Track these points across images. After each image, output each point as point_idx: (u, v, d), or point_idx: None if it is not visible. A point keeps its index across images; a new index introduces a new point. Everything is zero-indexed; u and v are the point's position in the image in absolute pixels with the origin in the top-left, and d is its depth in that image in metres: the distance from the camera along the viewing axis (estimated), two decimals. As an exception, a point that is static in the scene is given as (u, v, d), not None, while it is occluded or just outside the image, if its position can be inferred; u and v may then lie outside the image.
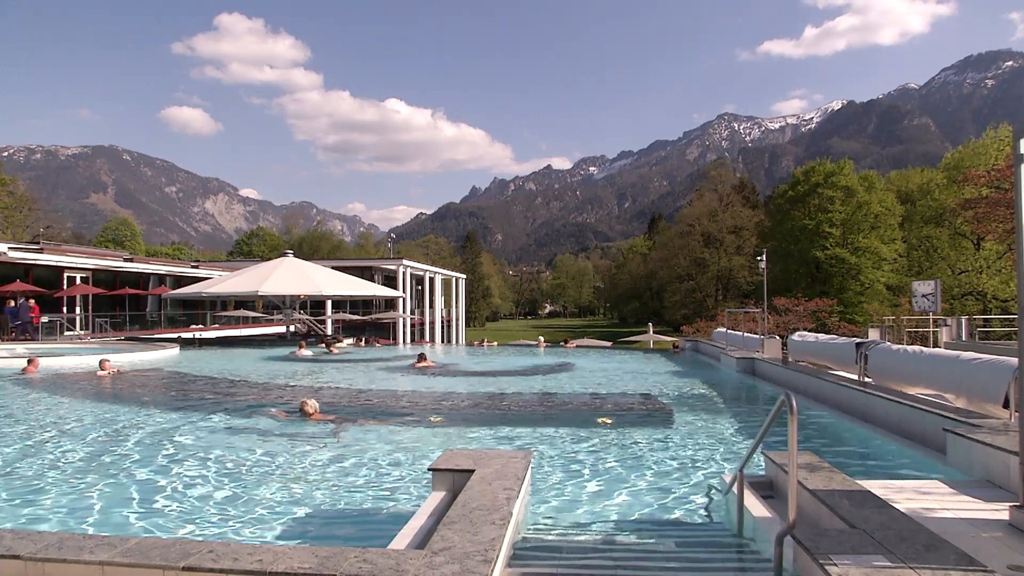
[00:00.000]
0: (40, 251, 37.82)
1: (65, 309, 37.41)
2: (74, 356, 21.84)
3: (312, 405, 11.20)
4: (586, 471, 7.86)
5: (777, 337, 19.18)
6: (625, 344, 42.53)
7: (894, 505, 4.54)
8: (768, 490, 6.01)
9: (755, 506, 5.26)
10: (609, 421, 10.97)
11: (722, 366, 19.55)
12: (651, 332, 46.10)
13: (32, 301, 32.74)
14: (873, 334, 24.15)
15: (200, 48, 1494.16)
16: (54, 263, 37.10)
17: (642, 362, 22.98)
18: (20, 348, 25.37)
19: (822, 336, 16.72)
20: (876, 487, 5.27)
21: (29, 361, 18.60)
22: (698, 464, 8.23)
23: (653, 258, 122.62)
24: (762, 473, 6.45)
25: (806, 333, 19.67)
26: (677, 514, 6.41)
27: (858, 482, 5.16)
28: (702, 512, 6.39)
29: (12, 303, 32.11)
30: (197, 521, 6.25)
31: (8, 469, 8.03)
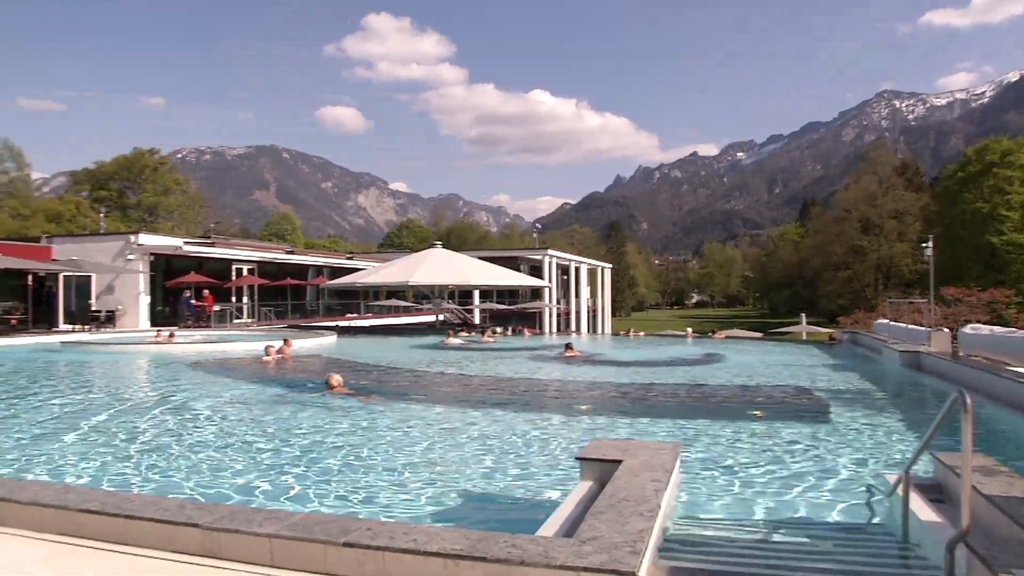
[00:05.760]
0: (212, 245, 41.04)
1: (234, 298, 40.24)
2: (245, 342, 23.47)
3: (336, 379, 12.36)
4: (736, 466, 7.62)
5: (946, 330, 17.89)
6: (776, 335, 40.97)
7: (1087, 514, 4.13)
8: (936, 494, 5.60)
9: (922, 510, 4.92)
10: (761, 414, 10.61)
11: (884, 360, 18.50)
12: (804, 323, 44.21)
13: (206, 292, 35.49)
14: (1059, 327, 22.03)
15: (350, 49, 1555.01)
16: (224, 256, 40.05)
17: (795, 354, 22.12)
18: (197, 335, 27.58)
19: (998, 329, 15.44)
20: (1065, 494, 4.81)
21: (284, 341, 19.92)
22: (857, 462, 7.79)
23: (806, 245, 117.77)
24: (930, 475, 6.03)
25: (980, 326, 18.22)
26: (834, 514, 6.10)
27: (1044, 488, 4.73)
28: (862, 514, 6.05)
29: (188, 293, 34.96)
30: (328, 498, 6.53)
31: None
